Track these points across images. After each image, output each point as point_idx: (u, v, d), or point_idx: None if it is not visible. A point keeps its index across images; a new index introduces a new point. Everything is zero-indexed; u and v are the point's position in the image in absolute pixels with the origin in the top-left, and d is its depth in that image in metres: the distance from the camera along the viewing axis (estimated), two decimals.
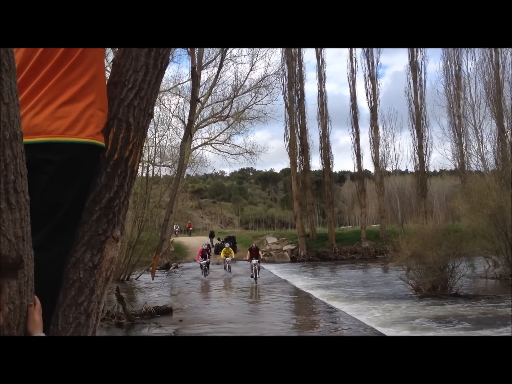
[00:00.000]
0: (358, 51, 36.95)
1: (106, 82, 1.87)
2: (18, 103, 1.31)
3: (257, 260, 20.60)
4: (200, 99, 31.80)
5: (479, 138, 29.28)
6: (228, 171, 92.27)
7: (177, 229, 41.44)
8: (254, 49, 33.40)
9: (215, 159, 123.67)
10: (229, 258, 24.47)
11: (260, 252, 22.25)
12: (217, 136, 36.81)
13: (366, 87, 36.38)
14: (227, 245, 25.75)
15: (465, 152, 31.36)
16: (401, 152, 64.23)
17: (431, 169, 40.23)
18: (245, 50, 34.74)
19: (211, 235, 37.99)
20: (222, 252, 24.99)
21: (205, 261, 23.10)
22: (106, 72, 2.00)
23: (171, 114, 30.36)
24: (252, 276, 20.44)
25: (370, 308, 13.50)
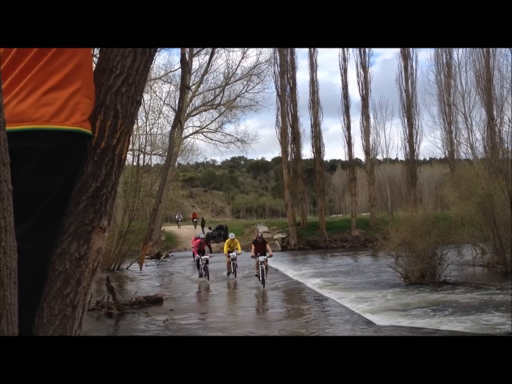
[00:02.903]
0: None
1: (93, 68, 1.83)
2: (1, 89, 1.26)
3: (265, 257, 15.68)
4: (191, 87, 31.62)
5: (469, 126, 29.39)
6: (219, 159, 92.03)
7: (179, 219, 40.36)
8: None
9: (206, 148, 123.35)
10: (235, 254, 17.81)
11: (268, 247, 16.63)
12: (209, 124, 36.74)
13: (357, 75, 36.38)
14: (231, 235, 19.07)
15: (455, 141, 31.48)
16: (391, 141, 64.28)
17: (421, 158, 40.32)
18: None
19: (202, 224, 37.95)
20: (225, 246, 18.49)
21: (205, 257, 17.70)
22: (93, 58, 1.97)
23: (162, 102, 30.24)
24: (257, 276, 15.95)
25: (359, 295, 13.59)
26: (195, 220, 40.73)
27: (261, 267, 15.27)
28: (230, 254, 17.78)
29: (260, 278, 15.39)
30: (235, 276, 17.71)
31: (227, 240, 18.76)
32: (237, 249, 18.02)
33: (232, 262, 17.80)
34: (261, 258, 15.44)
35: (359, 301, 12.85)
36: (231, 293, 15.69)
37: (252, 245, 16.69)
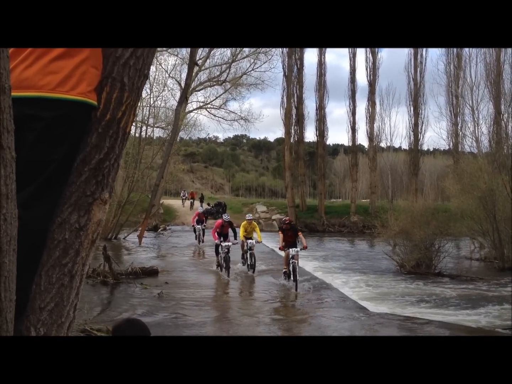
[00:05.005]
0: None
1: None
2: (8, 55, 1.25)
3: (298, 249, 11.89)
4: (198, 62, 31.34)
5: (475, 119, 29.17)
6: (221, 136, 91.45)
7: (184, 197, 38.82)
8: None
9: (210, 124, 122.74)
10: (253, 242, 13.90)
11: (302, 235, 12.52)
12: (213, 100, 36.49)
13: (366, 60, 36.03)
14: (249, 216, 15.06)
15: (460, 133, 31.31)
16: (396, 129, 63.90)
17: (425, 148, 40.27)
18: None
19: (201, 199, 37.86)
20: (241, 229, 14.41)
21: (226, 244, 13.41)
22: None
23: (167, 75, 30.00)
24: (286, 275, 12.12)
25: (354, 281, 13.66)
26: (192, 200, 36.79)
27: (293, 262, 11.65)
28: (248, 242, 13.91)
29: (293, 278, 11.64)
30: (253, 272, 13.88)
31: (243, 223, 14.71)
32: (256, 233, 14.49)
33: (249, 252, 13.91)
34: (292, 251, 11.70)
35: (353, 286, 12.94)
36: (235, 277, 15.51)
37: (280, 233, 12.62)
